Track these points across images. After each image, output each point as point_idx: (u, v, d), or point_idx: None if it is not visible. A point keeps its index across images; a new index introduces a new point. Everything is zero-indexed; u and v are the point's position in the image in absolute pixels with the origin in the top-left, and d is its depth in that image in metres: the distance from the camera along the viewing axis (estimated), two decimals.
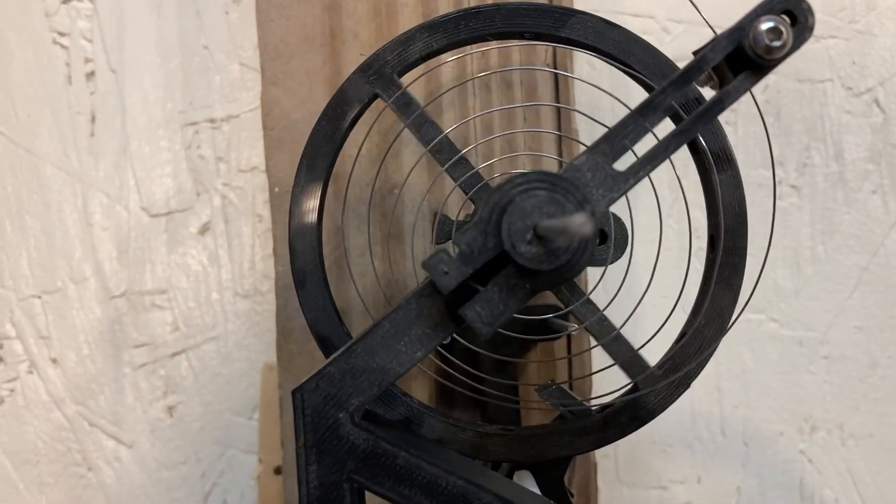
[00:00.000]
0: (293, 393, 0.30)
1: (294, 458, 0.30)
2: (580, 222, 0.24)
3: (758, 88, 0.56)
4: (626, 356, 0.35)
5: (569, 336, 0.48)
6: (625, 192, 0.29)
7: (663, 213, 0.56)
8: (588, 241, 0.28)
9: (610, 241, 0.37)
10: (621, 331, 0.36)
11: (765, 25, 0.29)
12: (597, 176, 0.29)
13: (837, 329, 0.56)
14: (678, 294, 0.39)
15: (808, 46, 0.56)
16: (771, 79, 0.56)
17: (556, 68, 0.48)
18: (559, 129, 0.48)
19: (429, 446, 0.33)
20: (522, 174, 0.29)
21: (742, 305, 0.39)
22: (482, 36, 0.36)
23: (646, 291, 0.40)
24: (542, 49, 0.48)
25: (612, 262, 0.37)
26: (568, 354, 0.49)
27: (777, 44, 0.28)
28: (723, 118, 0.55)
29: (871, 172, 0.56)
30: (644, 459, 0.56)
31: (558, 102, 0.47)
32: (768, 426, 0.56)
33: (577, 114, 0.50)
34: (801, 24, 0.29)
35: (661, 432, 0.56)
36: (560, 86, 0.48)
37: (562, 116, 0.48)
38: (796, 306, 0.56)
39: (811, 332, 0.56)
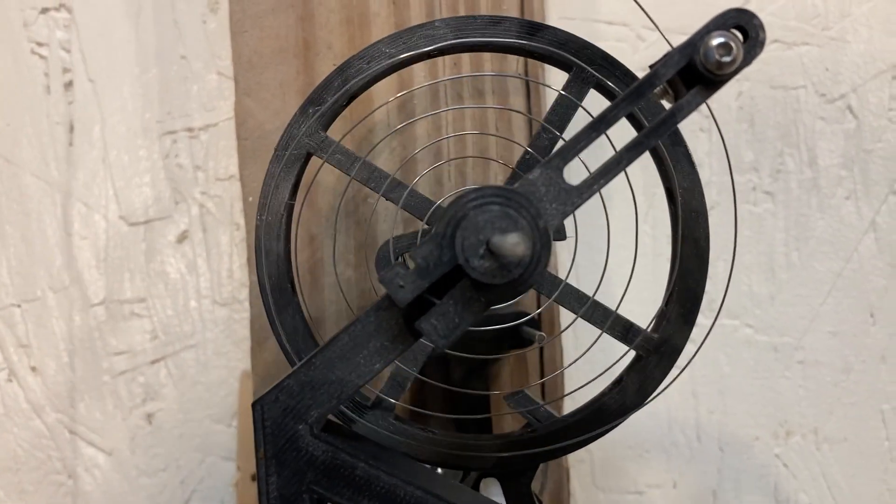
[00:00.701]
0: (253, 405, 0.30)
1: None
2: (513, 243, 0.24)
3: (731, 95, 0.56)
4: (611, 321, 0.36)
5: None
6: (578, 206, 0.30)
7: (639, 219, 0.56)
8: (540, 255, 0.29)
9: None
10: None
11: (715, 41, 0.29)
12: (550, 190, 0.29)
13: (812, 334, 0.57)
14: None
15: (782, 53, 0.56)
16: (745, 85, 0.56)
17: (527, 76, 0.49)
18: (530, 135, 0.48)
19: (390, 457, 0.33)
20: (478, 189, 0.29)
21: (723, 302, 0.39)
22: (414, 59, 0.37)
23: (624, 294, 0.40)
24: (514, 58, 0.48)
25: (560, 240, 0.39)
26: (540, 358, 0.49)
27: (727, 59, 0.29)
28: (697, 125, 0.56)
29: (844, 178, 0.56)
30: (620, 464, 0.56)
31: (530, 111, 0.48)
32: (744, 431, 0.57)
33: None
34: (753, 39, 0.30)
35: (637, 437, 0.56)
36: (531, 94, 0.48)
37: (532, 122, 0.48)
38: (771, 312, 0.57)
39: (786, 337, 0.56)
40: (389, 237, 0.39)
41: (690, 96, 0.29)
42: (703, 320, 0.56)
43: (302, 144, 0.37)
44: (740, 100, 0.56)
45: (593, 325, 0.38)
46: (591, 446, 0.56)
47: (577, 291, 0.38)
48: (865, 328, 0.56)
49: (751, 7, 0.55)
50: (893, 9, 0.56)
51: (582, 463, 0.56)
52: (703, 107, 0.56)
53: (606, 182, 0.29)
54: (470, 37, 0.37)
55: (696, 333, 0.56)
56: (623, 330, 0.38)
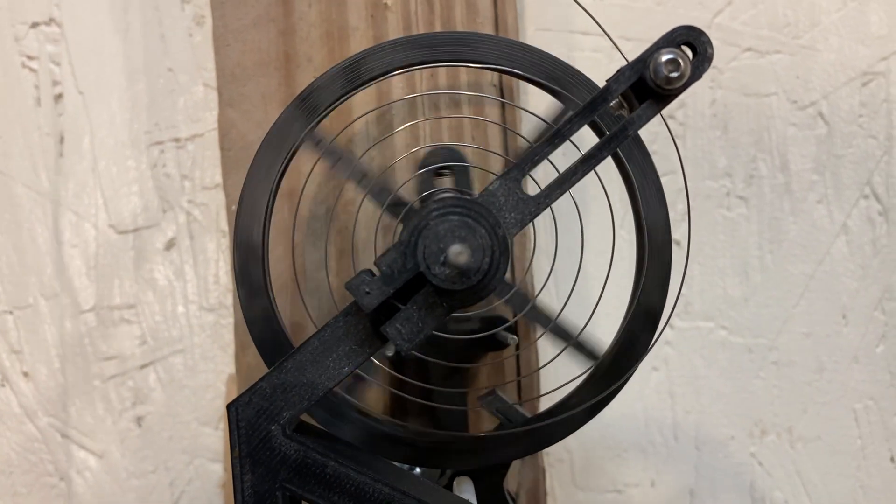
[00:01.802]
0: (228, 407, 0.32)
1: None
2: (455, 252, 0.26)
3: (705, 103, 0.58)
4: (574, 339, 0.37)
5: (517, 346, 0.50)
6: (536, 215, 0.31)
7: (616, 225, 0.57)
8: (499, 262, 0.30)
9: None
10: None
11: (664, 58, 0.30)
12: (509, 201, 0.31)
13: (785, 335, 0.58)
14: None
15: (754, 62, 0.58)
16: (719, 93, 0.58)
17: (502, 88, 0.50)
18: (505, 145, 0.50)
19: (361, 456, 0.35)
20: (441, 199, 0.31)
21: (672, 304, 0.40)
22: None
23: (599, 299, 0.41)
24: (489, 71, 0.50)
25: None
26: (517, 359, 0.50)
27: (675, 75, 0.30)
28: (673, 132, 0.58)
29: (816, 183, 0.58)
30: (599, 464, 0.58)
31: (504, 120, 0.49)
32: (720, 430, 0.58)
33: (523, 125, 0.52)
34: (701, 55, 0.31)
35: (616, 437, 0.58)
36: (506, 105, 0.50)
37: (508, 134, 0.50)
38: (745, 314, 0.58)
39: (760, 338, 0.58)
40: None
41: (642, 110, 0.31)
42: (679, 322, 0.58)
43: (295, 137, 0.37)
44: (714, 107, 0.58)
45: (557, 341, 0.39)
46: (571, 446, 0.58)
47: (543, 313, 0.38)
48: (838, 329, 0.58)
49: (723, 17, 0.57)
50: (862, 18, 0.57)
51: (562, 462, 0.57)
52: (678, 114, 0.58)
53: (563, 192, 0.31)
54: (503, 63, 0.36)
55: (671, 335, 0.58)
56: (583, 351, 0.39)
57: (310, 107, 0.36)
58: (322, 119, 0.36)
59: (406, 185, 0.46)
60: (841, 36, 0.58)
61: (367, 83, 0.35)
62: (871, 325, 0.58)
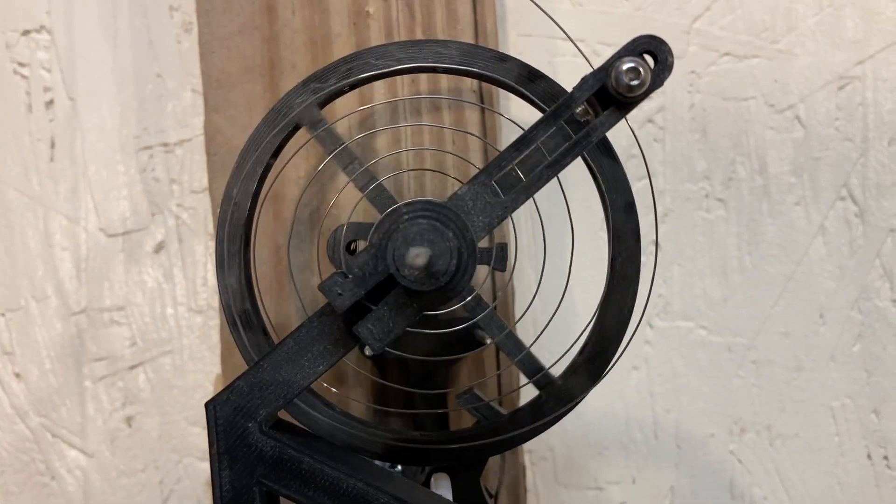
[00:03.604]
0: (206, 405, 0.33)
1: None
2: (414, 255, 0.27)
3: (684, 107, 0.59)
4: (520, 355, 0.38)
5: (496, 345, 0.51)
6: (504, 219, 0.32)
7: (596, 228, 0.59)
8: (467, 264, 0.31)
9: (492, 261, 0.40)
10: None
11: (625, 66, 0.31)
12: (477, 205, 0.32)
13: (764, 335, 0.59)
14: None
15: (733, 66, 0.59)
16: (697, 97, 0.59)
17: (482, 94, 0.51)
18: (485, 148, 0.51)
19: (338, 453, 0.36)
20: (410, 203, 0.32)
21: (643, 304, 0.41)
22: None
23: (560, 301, 0.43)
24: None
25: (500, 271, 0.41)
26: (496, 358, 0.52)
27: (636, 83, 0.31)
28: (651, 135, 0.59)
29: (794, 185, 0.59)
30: (580, 461, 0.59)
31: (484, 125, 0.50)
32: (699, 428, 0.59)
33: (502, 134, 0.53)
34: (662, 63, 0.32)
35: (597, 435, 0.59)
36: (486, 112, 0.51)
37: (487, 136, 0.51)
38: (725, 314, 0.59)
39: (739, 338, 0.59)
40: (342, 223, 0.41)
41: (604, 117, 0.32)
42: (659, 322, 0.59)
43: (295, 114, 0.38)
44: (693, 111, 0.59)
45: (506, 354, 0.40)
46: (553, 444, 0.59)
47: (498, 320, 0.39)
48: (815, 328, 0.59)
49: (702, 22, 0.58)
50: (838, 23, 0.58)
51: (544, 460, 0.58)
52: (658, 118, 0.59)
53: (528, 197, 0.32)
54: (473, 66, 0.37)
55: (651, 334, 0.59)
56: (533, 369, 0.39)
57: (316, 89, 0.38)
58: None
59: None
60: (817, 41, 0.59)
61: (366, 80, 0.37)
62: (848, 324, 0.59)
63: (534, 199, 0.33)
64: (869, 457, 0.59)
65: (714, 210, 0.59)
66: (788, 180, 0.59)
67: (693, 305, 0.59)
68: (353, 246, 0.44)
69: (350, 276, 0.32)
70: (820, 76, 0.59)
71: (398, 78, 0.51)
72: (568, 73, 0.59)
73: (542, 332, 0.42)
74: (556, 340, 0.51)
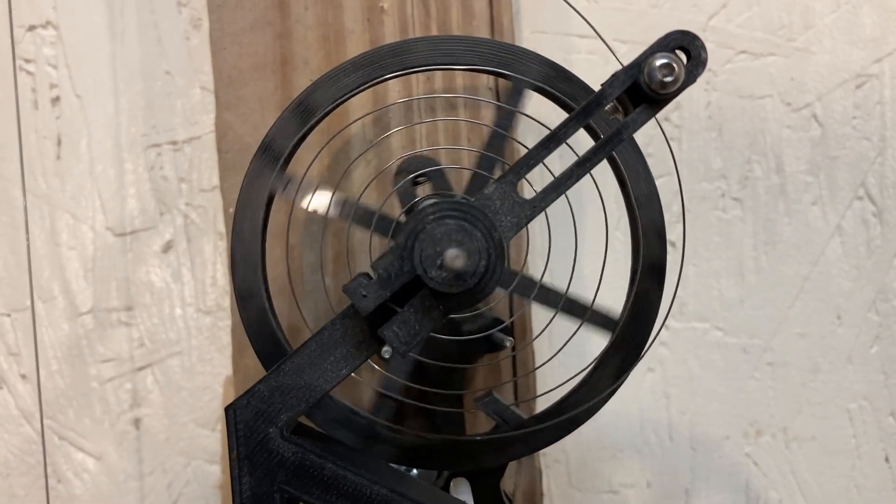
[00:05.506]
0: (226, 409, 0.32)
1: None
2: (452, 256, 0.26)
3: (700, 105, 0.58)
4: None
5: (513, 347, 0.50)
6: (532, 219, 0.31)
7: (610, 227, 0.58)
8: (495, 265, 0.30)
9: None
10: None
11: (658, 62, 0.31)
12: (505, 204, 0.31)
13: (780, 336, 0.58)
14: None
15: (749, 64, 0.58)
16: (714, 95, 0.58)
17: (498, 91, 0.50)
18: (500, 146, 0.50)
19: (359, 458, 0.35)
20: (436, 203, 0.31)
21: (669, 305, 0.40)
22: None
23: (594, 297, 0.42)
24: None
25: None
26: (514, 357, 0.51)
27: (669, 79, 0.30)
28: (667, 133, 0.58)
29: (810, 184, 0.58)
30: (595, 465, 0.58)
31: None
32: (715, 431, 0.58)
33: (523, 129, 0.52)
34: (695, 59, 0.31)
35: (611, 438, 0.58)
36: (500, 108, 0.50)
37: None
38: (741, 315, 0.58)
39: (755, 339, 0.58)
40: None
41: (636, 114, 0.31)
42: (674, 323, 0.58)
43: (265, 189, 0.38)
44: (709, 109, 0.58)
45: (572, 317, 0.39)
46: (567, 447, 0.58)
47: (552, 289, 0.39)
48: (832, 329, 0.58)
49: (718, 20, 0.58)
50: (856, 20, 0.58)
51: (558, 463, 0.58)
52: (673, 117, 0.58)
53: (558, 196, 0.31)
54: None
55: (666, 336, 0.58)
56: (602, 319, 0.39)
57: (273, 156, 0.37)
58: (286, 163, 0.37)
59: (389, 199, 0.46)
60: (835, 38, 0.58)
61: (320, 119, 0.36)
62: (866, 325, 0.58)
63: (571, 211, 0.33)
64: (886, 459, 0.58)
65: (730, 209, 0.58)
66: (805, 179, 0.58)
67: (709, 306, 0.58)
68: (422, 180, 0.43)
69: (374, 278, 0.31)
70: (837, 74, 0.58)
71: (412, 77, 0.50)
72: (583, 71, 0.58)
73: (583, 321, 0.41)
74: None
